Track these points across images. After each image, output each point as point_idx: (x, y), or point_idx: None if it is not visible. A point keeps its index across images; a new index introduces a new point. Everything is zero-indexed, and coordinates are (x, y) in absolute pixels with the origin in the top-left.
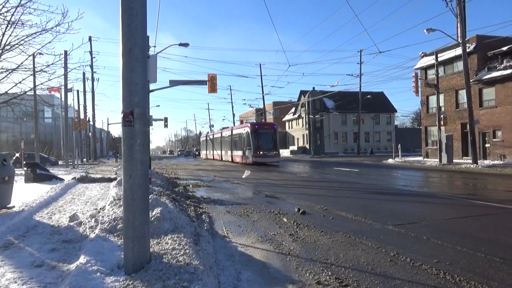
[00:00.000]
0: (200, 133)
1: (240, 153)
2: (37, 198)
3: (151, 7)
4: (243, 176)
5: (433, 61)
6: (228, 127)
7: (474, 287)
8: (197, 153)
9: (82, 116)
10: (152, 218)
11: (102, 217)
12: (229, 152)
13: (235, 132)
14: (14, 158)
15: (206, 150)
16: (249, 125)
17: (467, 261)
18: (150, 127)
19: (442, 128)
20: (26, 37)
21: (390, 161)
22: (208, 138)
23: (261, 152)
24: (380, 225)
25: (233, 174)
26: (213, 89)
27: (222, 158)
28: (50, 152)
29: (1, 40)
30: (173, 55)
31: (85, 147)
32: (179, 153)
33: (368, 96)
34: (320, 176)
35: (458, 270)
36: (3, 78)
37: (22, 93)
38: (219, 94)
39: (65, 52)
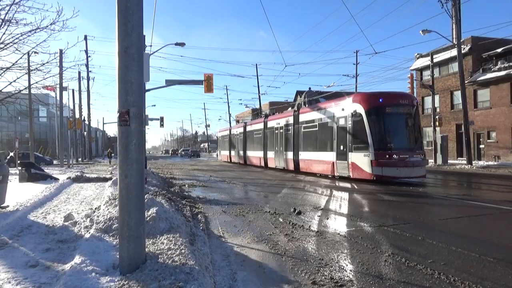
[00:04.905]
0: (196, 132)
1: (326, 156)
2: (31, 197)
3: (144, 6)
4: None
5: (429, 62)
6: (286, 111)
7: (469, 287)
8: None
9: (77, 115)
10: (148, 218)
11: (97, 216)
12: (289, 154)
13: (311, 116)
14: (8, 157)
15: (230, 150)
16: (358, 98)
17: (462, 261)
18: (146, 127)
19: (437, 129)
20: (21, 36)
21: None
22: (232, 133)
23: (394, 156)
24: (375, 225)
25: None
26: (209, 89)
27: (264, 163)
28: (45, 152)
29: None
30: (167, 54)
31: (80, 146)
32: (182, 153)
33: None
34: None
35: (452, 270)
36: None
37: (16, 91)
38: (215, 94)
39: (61, 51)
